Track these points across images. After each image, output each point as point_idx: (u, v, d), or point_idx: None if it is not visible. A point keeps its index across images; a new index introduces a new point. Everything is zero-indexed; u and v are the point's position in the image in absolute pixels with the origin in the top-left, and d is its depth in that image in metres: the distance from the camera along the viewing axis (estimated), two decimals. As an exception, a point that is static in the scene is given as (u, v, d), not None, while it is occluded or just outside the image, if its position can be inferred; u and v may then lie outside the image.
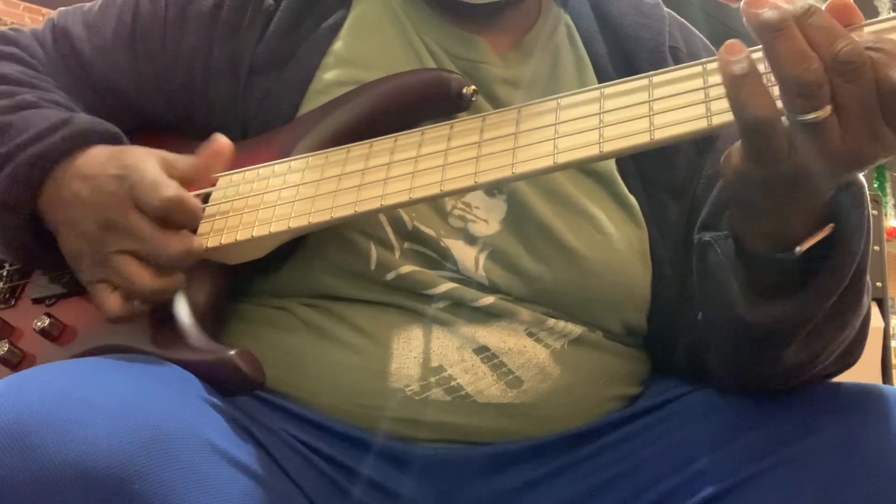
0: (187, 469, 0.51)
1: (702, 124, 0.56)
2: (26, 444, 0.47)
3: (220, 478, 0.53)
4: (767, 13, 0.50)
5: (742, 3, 0.51)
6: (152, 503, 0.48)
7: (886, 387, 0.65)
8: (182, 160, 0.70)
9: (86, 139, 0.71)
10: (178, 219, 0.66)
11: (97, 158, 0.69)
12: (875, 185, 5.40)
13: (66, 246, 0.70)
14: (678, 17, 0.87)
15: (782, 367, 0.64)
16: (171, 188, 0.66)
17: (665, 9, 0.86)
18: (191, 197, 0.67)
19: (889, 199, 5.82)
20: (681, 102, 0.58)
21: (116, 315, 0.67)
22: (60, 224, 0.70)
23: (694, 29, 0.87)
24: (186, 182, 0.69)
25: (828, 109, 0.50)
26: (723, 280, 0.63)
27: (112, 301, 0.67)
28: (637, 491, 0.68)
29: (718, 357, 0.70)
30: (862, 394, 0.64)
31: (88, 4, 0.87)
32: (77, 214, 0.68)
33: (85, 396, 0.51)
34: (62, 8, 0.87)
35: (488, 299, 0.71)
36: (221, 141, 0.71)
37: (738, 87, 0.52)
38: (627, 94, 0.61)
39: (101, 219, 0.67)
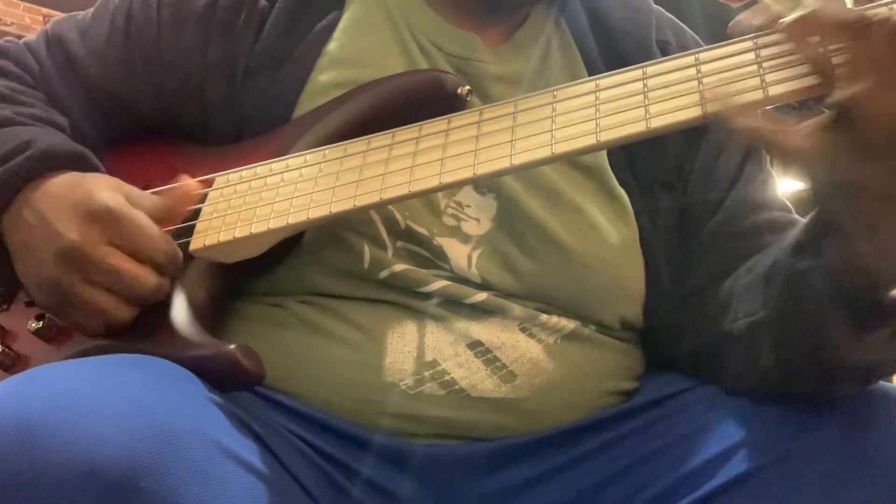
0: (193, 466, 0.51)
1: (696, 112, 0.57)
2: (33, 443, 0.47)
3: (225, 475, 0.53)
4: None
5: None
6: (159, 500, 0.48)
7: (887, 385, 0.65)
8: (147, 198, 0.71)
9: (48, 162, 0.70)
10: (166, 268, 0.68)
11: (59, 187, 0.69)
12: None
13: (25, 272, 0.69)
14: (668, 14, 0.88)
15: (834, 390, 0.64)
16: (170, 242, 0.68)
17: (653, 4, 0.87)
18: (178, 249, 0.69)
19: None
20: (675, 91, 0.59)
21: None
22: (19, 248, 0.69)
23: (685, 27, 0.88)
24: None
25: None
26: (817, 316, 0.60)
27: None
28: (637, 488, 0.68)
29: (758, 374, 0.68)
30: (863, 392, 0.64)
31: (82, 13, 0.87)
32: (36, 241, 0.67)
33: (92, 395, 0.51)
34: (56, 18, 0.87)
35: (481, 296, 0.71)
36: (190, 183, 0.73)
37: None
38: (622, 84, 0.62)
39: (63, 249, 0.66)
